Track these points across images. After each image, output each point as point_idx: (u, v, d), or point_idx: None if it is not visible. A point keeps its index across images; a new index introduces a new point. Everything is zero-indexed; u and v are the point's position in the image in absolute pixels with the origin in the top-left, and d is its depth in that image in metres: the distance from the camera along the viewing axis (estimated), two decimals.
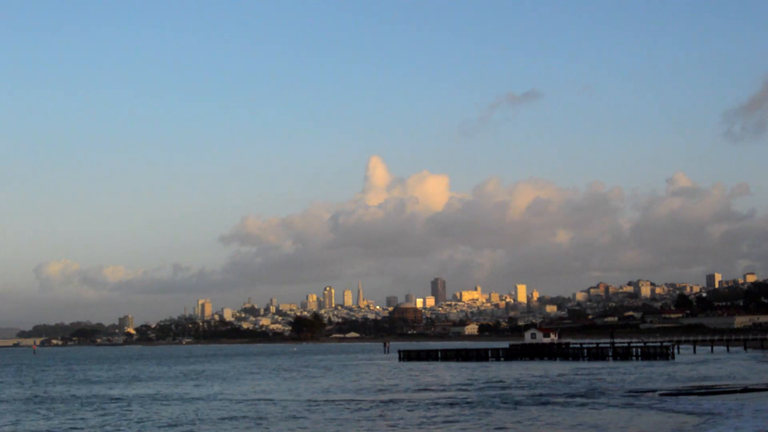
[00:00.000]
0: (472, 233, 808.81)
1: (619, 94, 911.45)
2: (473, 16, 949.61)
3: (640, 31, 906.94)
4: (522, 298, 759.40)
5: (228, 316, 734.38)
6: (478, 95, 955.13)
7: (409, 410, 60.62)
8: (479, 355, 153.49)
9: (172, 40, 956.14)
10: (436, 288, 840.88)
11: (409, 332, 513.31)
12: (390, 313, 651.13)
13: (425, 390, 79.99)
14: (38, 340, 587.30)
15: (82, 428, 55.19)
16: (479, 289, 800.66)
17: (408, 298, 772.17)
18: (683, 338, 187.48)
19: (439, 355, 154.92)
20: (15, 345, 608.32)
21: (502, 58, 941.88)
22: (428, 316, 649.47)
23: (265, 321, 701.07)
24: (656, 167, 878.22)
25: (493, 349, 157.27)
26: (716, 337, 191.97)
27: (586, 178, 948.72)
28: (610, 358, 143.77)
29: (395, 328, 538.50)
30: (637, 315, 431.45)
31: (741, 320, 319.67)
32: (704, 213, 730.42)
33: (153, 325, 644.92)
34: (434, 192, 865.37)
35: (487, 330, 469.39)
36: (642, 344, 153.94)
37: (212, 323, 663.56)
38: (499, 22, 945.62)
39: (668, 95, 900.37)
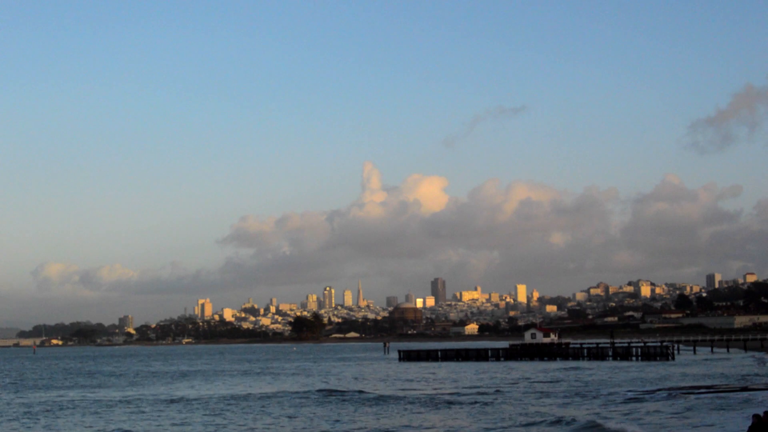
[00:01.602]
0: (472, 234, 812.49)
1: (609, 101, 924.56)
2: (466, 34, 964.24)
3: (624, 44, 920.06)
4: (522, 298, 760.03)
5: (228, 316, 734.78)
6: (468, 107, 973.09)
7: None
8: (479, 355, 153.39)
9: (172, 42, 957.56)
10: (436, 288, 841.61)
11: (409, 332, 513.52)
12: (390, 313, 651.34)
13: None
14: (38, 341, 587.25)
15: None
16: (479, 289, 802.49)
17: (408, 298, 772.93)
18: (683, 338, 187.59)
19: (439, 355, 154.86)
20: (15, 345, 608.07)
21: (492, 73, 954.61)
22: (428, 316, 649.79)
23: (265, 321, 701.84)
24: (651, 169, 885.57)
25: (493, 349, 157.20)
26: (716, 338, 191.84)
27: (582, 179, 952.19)
28: (610, 358, 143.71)
29: (395, 328, 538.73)
30: (637, 315, 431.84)
31: (741, 320, 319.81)
32: (700, 214, 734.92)
33: (153, 325, 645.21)
34: (433, 194, 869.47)
35: (487, 330, 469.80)
36: (642, 344, 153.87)
37: (212, 323, 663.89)
38: (489, 41, 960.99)
39: (661, 102, 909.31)
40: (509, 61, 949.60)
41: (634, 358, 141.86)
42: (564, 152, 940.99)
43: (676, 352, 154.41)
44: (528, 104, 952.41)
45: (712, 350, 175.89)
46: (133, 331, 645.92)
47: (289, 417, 56.88)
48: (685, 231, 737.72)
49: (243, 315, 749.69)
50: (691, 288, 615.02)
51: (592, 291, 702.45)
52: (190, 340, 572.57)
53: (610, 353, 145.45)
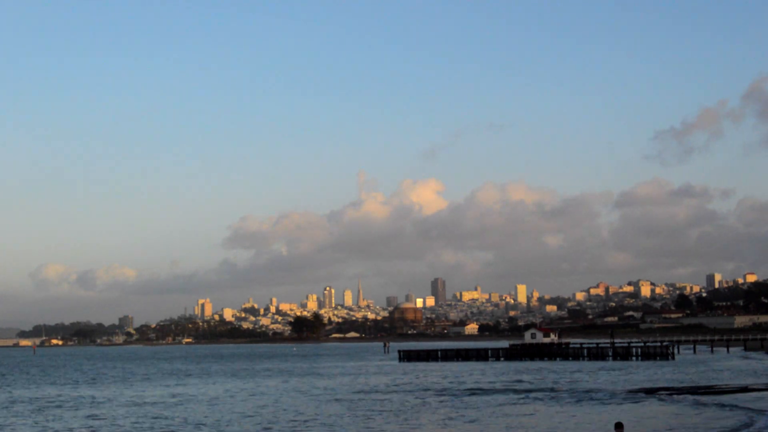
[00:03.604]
0: (471, 235, 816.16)
1: (607, 104, 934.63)
2: (453, 52, 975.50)
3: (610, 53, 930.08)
4: (522, 298, 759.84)
5: (228, 316, 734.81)
6: (456, 122, 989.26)
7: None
8: (479, 355, 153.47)
9: (172, 43, 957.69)
10: (436, 288, 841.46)
11: (409, 332, 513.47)
12: (390, 313, 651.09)
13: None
14: (38, 340, 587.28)
15: None
16: (479, 289, 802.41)
17: (408, 298, 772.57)
18: (683, 338, 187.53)
19: (439, 355, 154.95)
20: (15, 345, 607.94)
21: (479, 91, 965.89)
22: (428, 316, 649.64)
23: (265, 321, 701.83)
24: (645, 171, 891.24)
25: (493, 349, 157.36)
26: (716, 337, 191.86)
27: (577, 182, 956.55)
28: (610, 358, 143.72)
29: (395, 328, 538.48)
30: (637, 315, 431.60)
31: (741, 320, 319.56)
32: (698, 214, 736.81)
33: (153, 325, 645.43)
34: (431, 197, 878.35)
35: (487, 330, 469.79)
36: (642, 344, 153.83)
37: (212, 323, 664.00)
38: (473, 63, 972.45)
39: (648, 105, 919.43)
40: (494, 80, 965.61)
41: (634, 358, 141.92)
42: (557, 157, 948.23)
43: (676, 352, 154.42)
44: (515, 119, 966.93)
45: (712, 350, 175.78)
46: (133, 331, 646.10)
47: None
48: (680, 231, 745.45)
49: (243, 315, 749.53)
50: (691, 288, 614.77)
51: (592, 291, 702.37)
52: (190, 340, 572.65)
53: (610, 353, 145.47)
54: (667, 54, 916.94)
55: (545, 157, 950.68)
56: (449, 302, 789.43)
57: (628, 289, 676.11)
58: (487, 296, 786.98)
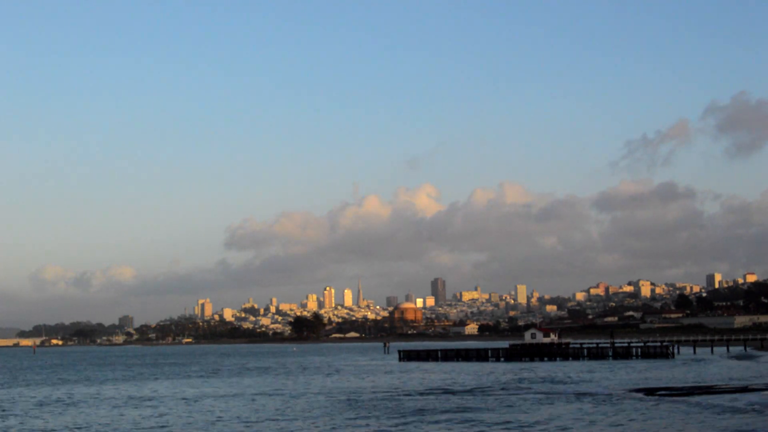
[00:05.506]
0: (471, 236, 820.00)
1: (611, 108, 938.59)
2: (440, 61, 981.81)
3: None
4: (522, 298, 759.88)
5: (228, 316, 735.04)
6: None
7: None
8: (479, 355, 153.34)
9: (172, 45, 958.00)
10: (436, 288, 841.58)
11: (409, 332, 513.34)
12: (390, 313, 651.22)
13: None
14: (38, 340, 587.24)
15: None
16: (479, 289, 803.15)
17: (408, 298, 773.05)
18: (683, 338, 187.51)
19: (439, 355, 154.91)
20: (15, 345, 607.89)
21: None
22: (428, 316, 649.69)
23: (265, 321, 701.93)
24: (642, 172, 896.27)
25: (493, 349, 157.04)
26: (716, 337, 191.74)
27: (575, 183, 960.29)
28: (610, 357, 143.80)
29: (395, 328, 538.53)
30: (637, 315, 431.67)
31: (741, 320, 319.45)
32: (685, 215, 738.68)
33: (153, 325, 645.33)
34: (428, 200, 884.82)
35: (487, 330, 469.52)
36: (642, 344, 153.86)
37: (212, 323, 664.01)
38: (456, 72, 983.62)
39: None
40: (482, 90, 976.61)
41: (634, 358, 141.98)
42: (550, 161, 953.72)
43: (676, 352, 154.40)
44: (504, 125, 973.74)
45: (712, 350, 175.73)
46: (133, 331, 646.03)
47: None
48: (670, 233, 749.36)
49: (243, 315, 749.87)
50: (691, 288, 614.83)
51: (592, 291, 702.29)
52: (190, 340, 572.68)
53: (610, 353, 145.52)
54: (651, 63, 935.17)
55: (537, 161, 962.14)
56: (449, 302, 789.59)
57: (628, 289, 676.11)
58: (487, 296, 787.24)
